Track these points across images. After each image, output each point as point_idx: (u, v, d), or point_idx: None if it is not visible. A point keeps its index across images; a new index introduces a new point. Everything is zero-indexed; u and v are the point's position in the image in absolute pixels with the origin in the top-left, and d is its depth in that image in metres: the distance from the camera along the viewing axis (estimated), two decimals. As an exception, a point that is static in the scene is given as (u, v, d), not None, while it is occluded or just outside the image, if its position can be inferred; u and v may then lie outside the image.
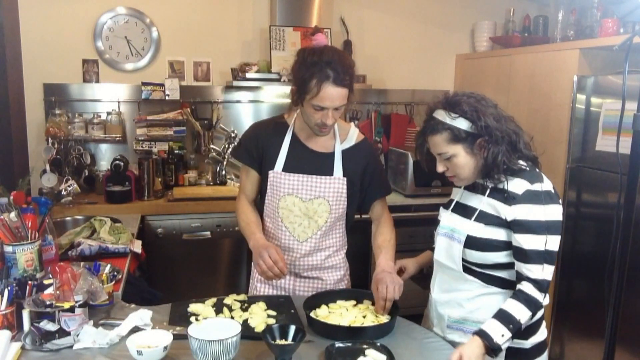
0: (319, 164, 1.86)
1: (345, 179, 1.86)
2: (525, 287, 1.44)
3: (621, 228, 1.54)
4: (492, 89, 3.64)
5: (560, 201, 1.50)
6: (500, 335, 1.39)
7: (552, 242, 1.44)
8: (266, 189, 1.90)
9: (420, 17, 4.06)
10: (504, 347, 1.41)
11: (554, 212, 1.46)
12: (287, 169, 1.85)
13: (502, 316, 1.42)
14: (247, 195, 1.97)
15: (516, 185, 1.47)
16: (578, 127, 2.94)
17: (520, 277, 1.46)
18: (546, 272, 1.43)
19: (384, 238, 1.94)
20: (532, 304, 1.42)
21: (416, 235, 3.50)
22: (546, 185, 1.48)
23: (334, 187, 1.85)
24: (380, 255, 1.85)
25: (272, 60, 3.50)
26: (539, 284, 1.43)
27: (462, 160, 1.49)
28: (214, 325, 1.42)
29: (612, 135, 2.72)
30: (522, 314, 1.41)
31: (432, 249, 1.77)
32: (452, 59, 4.19)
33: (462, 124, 1.46)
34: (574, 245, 2.99)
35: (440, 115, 1.49)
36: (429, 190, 3.55)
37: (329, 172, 1.86)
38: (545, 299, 1.45)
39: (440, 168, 1.55)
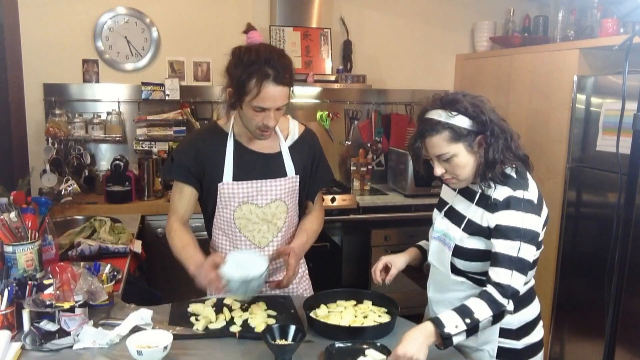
0: (269, 166, 1.78)
1: (298, 176, 1.81)
2: (490, 289, 1.40)
3: (621, 228, 1.54)
4: (492, 89, 3.64)
5: (542, 213, 1.47)
6: (454, 325, 1.34)
7: (526, 251, 1.40)
8: (214, 202, 1.78)
9: (420, 17, 4.06)
10: (456, 339, 1.34)
11: (532, 222, 1.42)
12: (237, 177, 1.75)
13: (461, 309, 1.37)
14: (181, 215, 1.80)
15: (500, 193, 1.45)
16: (578, 127, 2.94)
17: (488, 280, 1.43)
18: (515, 279, 1.39)
19: (311, 226, 1.87)
20: (495, 305, 1.37)
21: (416, 235, 3.46)
22: (530, 194, 1.45)
23: (288, 186, 1.79)
24: (297, 240, 1.79)
25: (272, 60, 3.50)
26: (504, 289, 1.38)
27: (463, 160, 1.46)
28: (240, 260, 1.51)
29: (612, 135, 2.72)
30: (482, 312, 1.36)
31: (418, 246, 1.78)
32: (452, 59, 4.19)
33: (463, 121, 1.43)
34: (574, 245, 2.99)
35: (438, 115, 1.45)
36: (429, 190, 3.55)
37: (281, 172, 1.78)
38: (510, 306, 1.39)
39: (438, 171, 1.51)
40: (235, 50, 1.63)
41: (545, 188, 3.12)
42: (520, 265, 1.40)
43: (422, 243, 1.80)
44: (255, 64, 1.55)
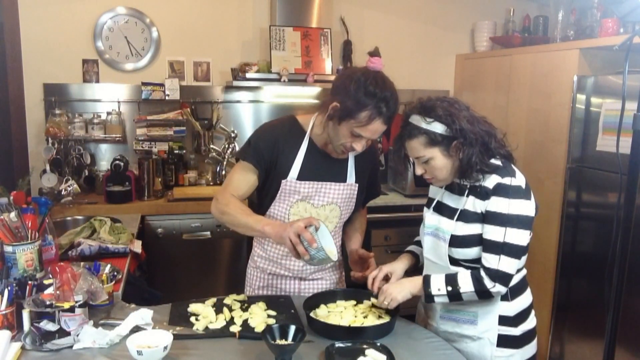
0: (334, 170, 1.83)
1: (357, 185, 1.86)
2: (481, 270, 1.51)
3: (621, 228, 1.54)
4: (492, 89, 3.64)
5: (532, 198, 1.54)
6: (437, 288, 1.53)
7: (513, 235, 1.48)
8: (274, 193, 1.81)
9: (420, 17, 4.06)
10: (436, 300, 1.54)
11: (520, 207, 1.49)
12: (301, 177, 1.79)
13: (449, 276, 1.54)
14: (239, 194, 1.78)
15: (489, 181, 1.53)
16: (578, 127, 2.94)
17: (480, 263, 1.52)
18: (503, 263, 1.48)
19: (362, 227, 2.06)
20: (479, 284, 1.49)
21: (416, 235, 3.49)
22: (517, 180, 1.52)
23: (346, 192, 1.84)
24: (357, 241, 1.99)
25: (272, 60, 3.50)
26: (490, 272, 1.49)
27: (440, 163, 1.54)
28: (325, 237, 1.57)
29: (612, 135, 2.72)
30: (466, 286, 1.50)
31: (409, 252, 1.83)
32: (452, 59, 4.19)
33: (438, 127, 1.51)
34: (574, 245, 2.99)
35: (416, 120, 1.55)
36: (428, 190, 3.54)
37: (343, 178, 1.84)
38: (495, 288, 1.48)
39: (418, 171, 1.61)
40: (361, 75, 1.63)
41: (545, 188, 3.12)
42: (507, 249, 1.48)
43: (411, 248, 1.85)
44: (375, 98, 1.60)
